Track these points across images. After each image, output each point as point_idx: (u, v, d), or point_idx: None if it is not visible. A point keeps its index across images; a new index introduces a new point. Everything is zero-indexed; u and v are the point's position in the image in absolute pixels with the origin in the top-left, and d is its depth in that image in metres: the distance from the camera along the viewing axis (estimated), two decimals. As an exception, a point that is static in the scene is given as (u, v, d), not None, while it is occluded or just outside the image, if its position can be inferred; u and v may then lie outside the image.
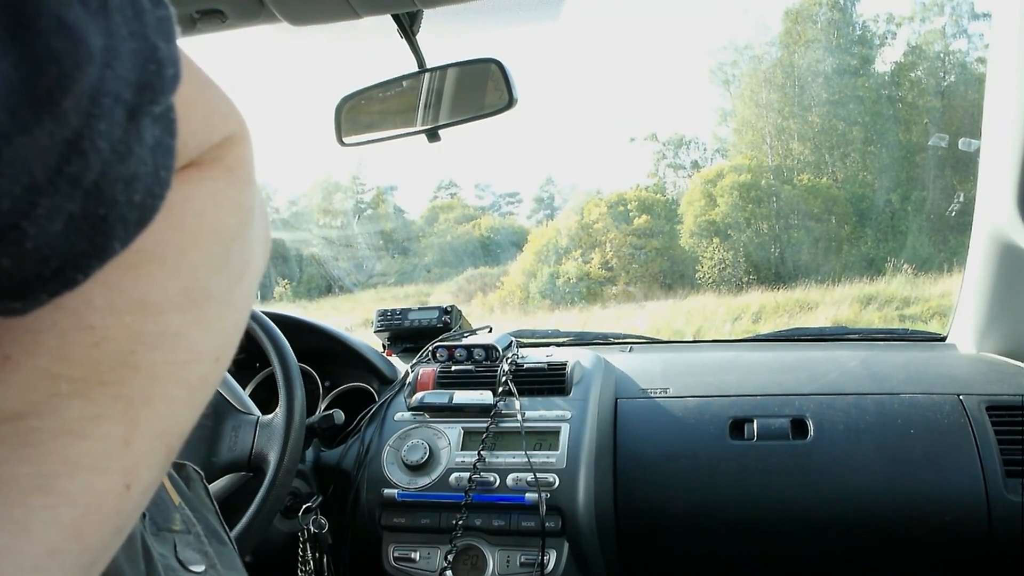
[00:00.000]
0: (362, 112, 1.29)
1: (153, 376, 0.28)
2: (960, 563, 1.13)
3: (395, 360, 1.59)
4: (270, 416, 1.15)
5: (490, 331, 1.60)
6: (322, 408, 1.48)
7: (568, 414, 1.22)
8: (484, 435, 1.21)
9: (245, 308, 0.34)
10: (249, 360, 1.46)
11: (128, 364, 0.27)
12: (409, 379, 1.39)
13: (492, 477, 1.18)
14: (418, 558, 1.20)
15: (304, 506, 1.23)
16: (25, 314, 0.23)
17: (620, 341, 1.67)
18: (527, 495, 1.15)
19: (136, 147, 0.23)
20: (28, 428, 0.25)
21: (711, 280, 13.23)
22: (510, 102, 1.19)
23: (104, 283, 0.25)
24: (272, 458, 1.11)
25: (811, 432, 1.18)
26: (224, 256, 0.30)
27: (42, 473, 0.25)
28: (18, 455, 0.24)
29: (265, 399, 1.34)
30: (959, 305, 1.44)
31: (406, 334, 1.66)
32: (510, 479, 1.17)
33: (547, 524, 1.13)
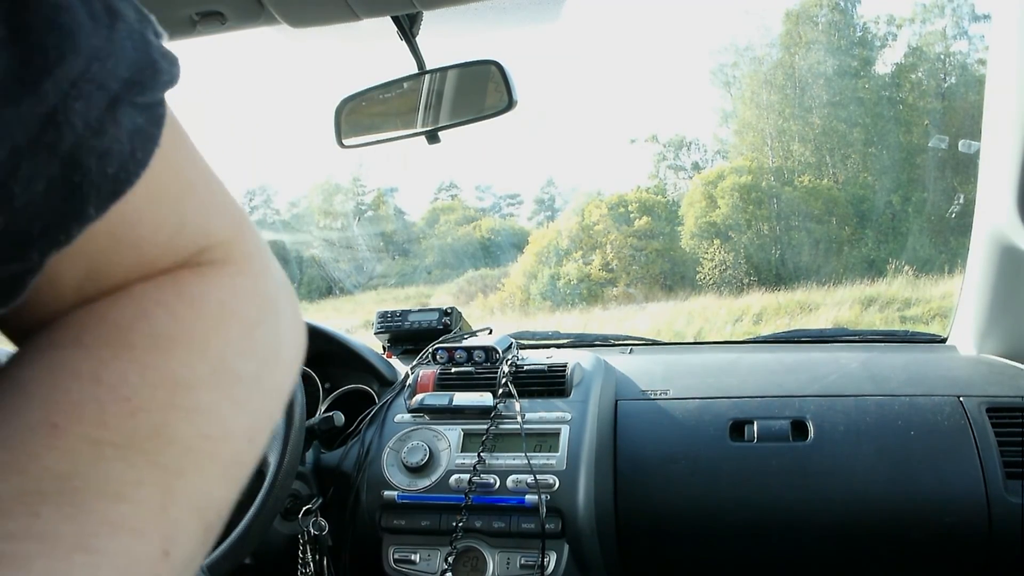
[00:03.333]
0: (362, 114, 1.29)
1: (187, 448, 0.30)
2: (960, 565, 1.13)
3: (395, 362, 1.59)
4: (270, 418, 1.15)
5: (490, 333, 1.60)
6: (322, 410, 1.48)
7: (568, 416, 1.22)
8: (484, 437, 1.21)
9: (278, 398, 0.37)
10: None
11: (163, 435, 0.29)
12: (409, 381, 1.39)
13: (492, 479, 1.18)
14: (418, 560, 1.20)
15: (304, 508, 1.23)
16: (23, 284, 0.28)
17: (620, 343, 1.67)
18: (527, 497, 1.15)
19: (111, 128, 0.27)
20: (72, 488, 0.26)
21: (712, 281, 13.21)
22: (510, 104, 1.19)
23: (139, 363, 0.30)
24: (272, 460, 1.11)
25: (811, 434, 1.18)
26: (249, 340, 0.34)
27: (85, 532, 0.26)
28: (62, 513, 0.26)
29: (265, 401, 1.34)
30: (959, 307, 1.44)
31: (406, 336, 1.66)
32: (510, 481, 1.17)
33: (547, 526, 1.13)
